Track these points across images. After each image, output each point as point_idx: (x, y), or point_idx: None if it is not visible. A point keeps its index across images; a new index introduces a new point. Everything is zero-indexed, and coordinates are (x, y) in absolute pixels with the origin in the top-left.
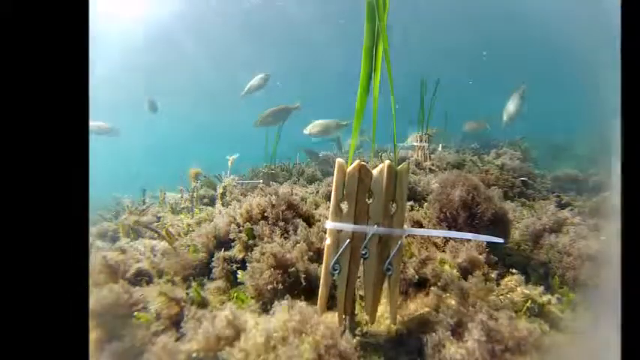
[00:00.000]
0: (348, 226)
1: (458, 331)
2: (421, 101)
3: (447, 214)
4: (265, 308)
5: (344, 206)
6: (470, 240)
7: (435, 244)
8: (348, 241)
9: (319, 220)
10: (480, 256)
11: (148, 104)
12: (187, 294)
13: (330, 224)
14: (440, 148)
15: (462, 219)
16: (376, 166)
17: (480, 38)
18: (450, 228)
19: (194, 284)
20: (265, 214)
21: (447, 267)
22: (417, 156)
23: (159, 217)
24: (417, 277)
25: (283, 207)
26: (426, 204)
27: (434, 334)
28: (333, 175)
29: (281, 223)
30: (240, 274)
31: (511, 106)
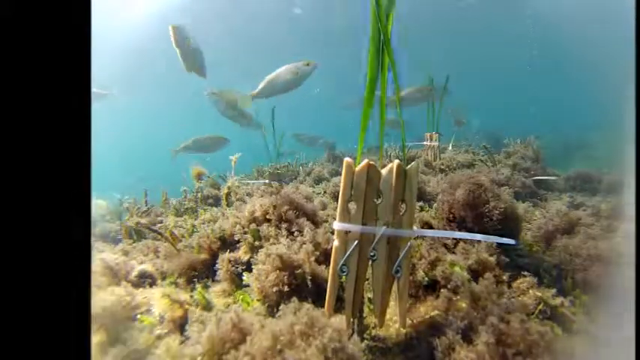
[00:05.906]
0: (356, 227)
1: (468, 334)
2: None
3: (455, 214)
4: (271, 311)
5: (352, 206)
6: (480, 241)
7: (445, 246)
8: (356, 242)
9: (326, 221)
10: (491, 258)
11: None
12: (192, 296)
13: (337, 225)
14: (450, 147)
15: (470, 219)
16: (385, 166)
17: (486, 38)
18: (459, 229)
19: (198, 286)
20: (268, 216)
21: (457, 269)
22: (427, 155)
23: (162, 219)
24: (426, 279)
25: (286, 207)
26: (435, 204)
27: (444, 337)
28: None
29: (284, 225)
30: (245, 276)
31: None
